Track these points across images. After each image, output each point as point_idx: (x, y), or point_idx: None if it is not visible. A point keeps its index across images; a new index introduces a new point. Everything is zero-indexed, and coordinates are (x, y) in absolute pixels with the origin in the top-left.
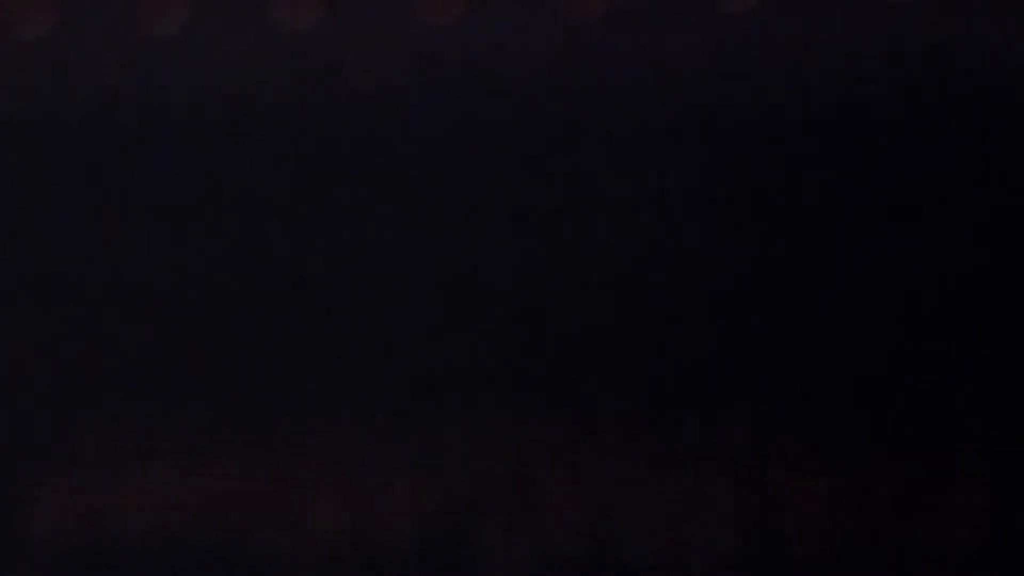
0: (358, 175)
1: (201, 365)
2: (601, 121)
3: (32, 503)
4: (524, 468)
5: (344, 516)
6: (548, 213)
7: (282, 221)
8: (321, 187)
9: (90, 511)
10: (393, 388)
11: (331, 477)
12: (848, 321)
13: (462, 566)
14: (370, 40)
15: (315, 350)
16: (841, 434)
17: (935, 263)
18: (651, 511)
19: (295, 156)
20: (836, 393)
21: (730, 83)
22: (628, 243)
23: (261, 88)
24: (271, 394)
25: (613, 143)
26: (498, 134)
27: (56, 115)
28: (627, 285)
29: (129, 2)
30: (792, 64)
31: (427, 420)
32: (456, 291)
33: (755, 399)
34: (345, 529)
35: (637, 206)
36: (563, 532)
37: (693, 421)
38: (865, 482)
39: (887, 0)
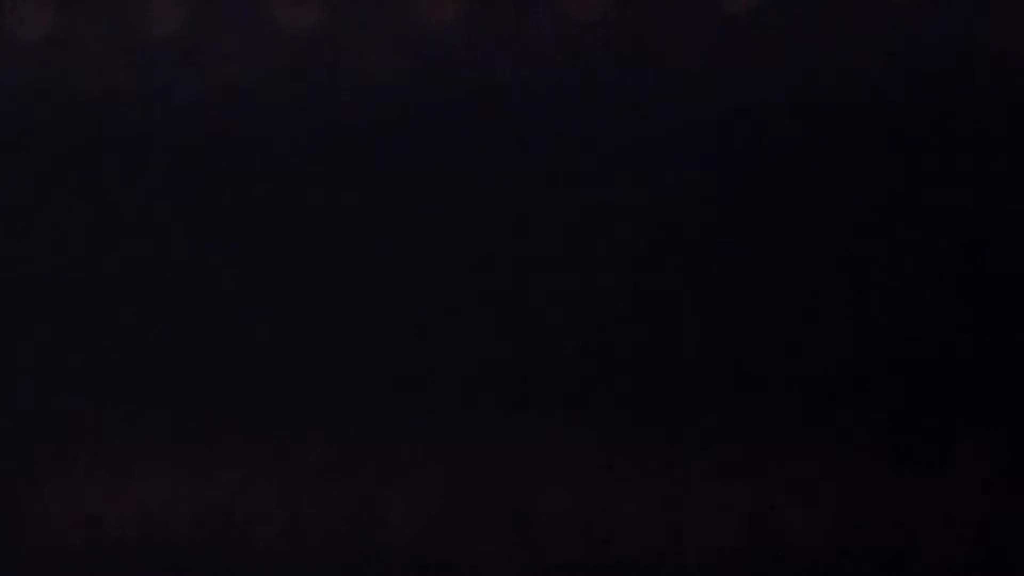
0: (358, 175)
1: (201, 366)
2: (601, 121)
3: (32, 504)
4: (523, 469)
5: (344, 517)
6: (549, 213)
7: (282, 221)
8: (321, 187)
9: (90, 512)
10: (393, 388)
11: (331, 478)
12: (848, 321)
13: (461, 566)
14: (370, 40)
15: (315, 351)
16: (841, 434)
17: (936, 263)
18: (651, 511)
19: (295, 156)
20: (836, 393)
21: (730, 83)
22: (629, 243)
23: (261, 88)
24: (271, 395)
25: (613, 143)
26: (498, 134)
27: (56, 115)
28: (627, 285)
29: (129, 2)
30: (792, 64)
31: (426, 421)
32: (456, 291)
33: (755, 399)
34: (345, 529)
35: (637, 206)
36: (562, 533)
37: (693, 421)
38: (865, 482)
39: (887, 0)
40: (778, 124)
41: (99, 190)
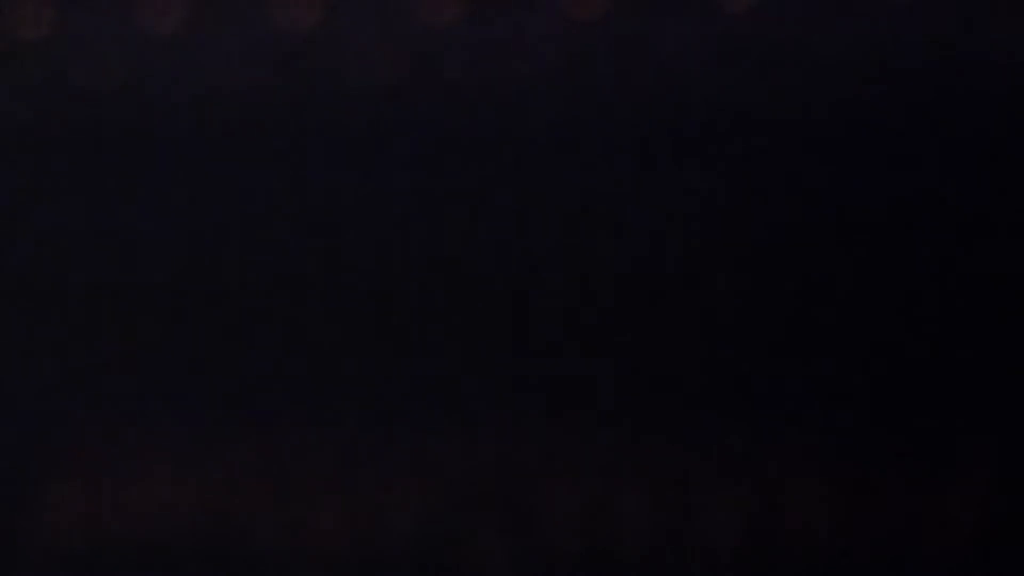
0: (358, 175)
1: (202, 365)
2: (601, 121)
3: (33, 504)
4: (523, 469)
5: (344, 517)
6: (548, 213)
7: (282, 221)
8: (321, 187)
9: (90, 512)
10: (393, 388)
11: (331, 478)
12: (848, 322)
13: (461, 566)
14: (370, 40)
15: (315, 350)
16: (841, 434)
17: (935, 264)
18: (651, 511)
19: (295, 156)
20: (836, 393)
21: (730, 82)
22: (628, 243)
23: (261, 88)
24: (271, 394)
25: (613, 143)
26: (498, 134)
27: (56, 115)
28: (627, 285)
29: (129, 2)
30: (792, 63)
31: (427, 421)
32: (456, 291)
33: (755, 399)
34: (345, 529)
35: (637, 206)
36: (562, 533)
37: (693, 421)
38: (865, 482)
39: (887, 0)
40: (778, 123)
41: (98, 190)
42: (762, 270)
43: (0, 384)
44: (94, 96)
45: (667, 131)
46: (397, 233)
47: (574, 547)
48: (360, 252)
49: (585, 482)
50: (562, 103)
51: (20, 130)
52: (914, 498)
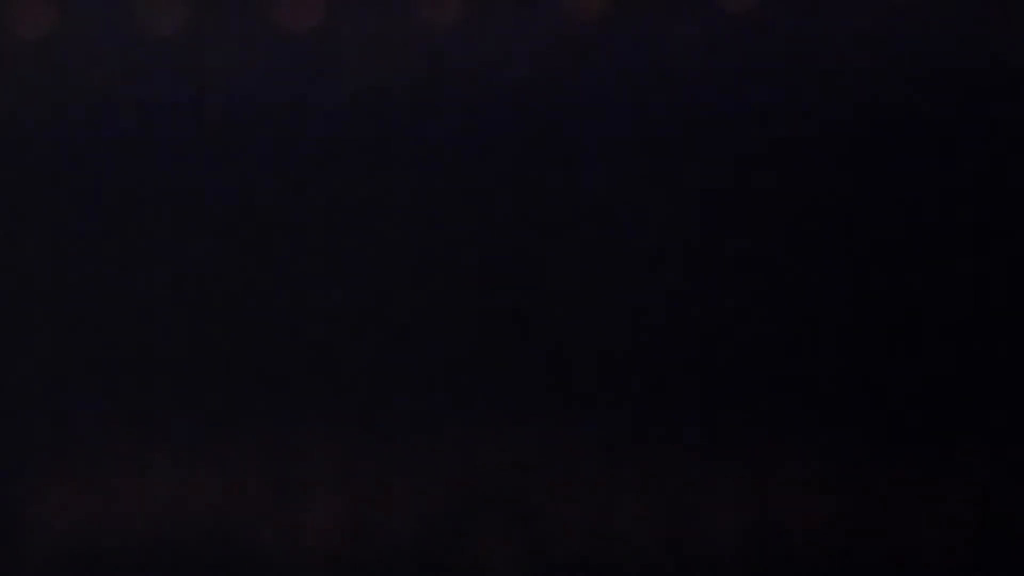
0: (358, 175)
1: (201, 365)
2: (601, 121)
3: (32, 504)
4: (523, 468)
5: (343, 516)
6: (548, 213)
7: (282, 221)
8: (321, 187)
9: (90, 512)
10: (393, 388)
11: (330, 477)
12: (848, 321)
13: (461, 566)
14: (370, 40)
15: (315, 350)
16: (841, 434)
17: (935, 263)
18: (651, 511)
19: (295, 156)
20: (836, 393)
21: (731, 83)
22: (628, 243)
23: (261, 88)
24: (271, 394)
25: (613, 143)
26: (498, 134)
27: (56, 115)
28: (627, 285)
29: (130, 2)
30: (793, 63)
31: (426, 420)
32: (456, 291)
33: (755, 399)
34: (344, 529)
35: (637, 206)
36: (562, 532)
37: (693, 421)
38: (865, 482)
39: (887, 0)
40: (778, 123)
41: (98, 190)
42: (762, 270)
43: (0, 384)
44: (94, 96)
45: (667, 131)
46: (397, 232)
47: (574, 547)
48: (361, 252)
49: (585, 482)
50: (562, 102)
51: (20, 130)
52: (914, 499)
